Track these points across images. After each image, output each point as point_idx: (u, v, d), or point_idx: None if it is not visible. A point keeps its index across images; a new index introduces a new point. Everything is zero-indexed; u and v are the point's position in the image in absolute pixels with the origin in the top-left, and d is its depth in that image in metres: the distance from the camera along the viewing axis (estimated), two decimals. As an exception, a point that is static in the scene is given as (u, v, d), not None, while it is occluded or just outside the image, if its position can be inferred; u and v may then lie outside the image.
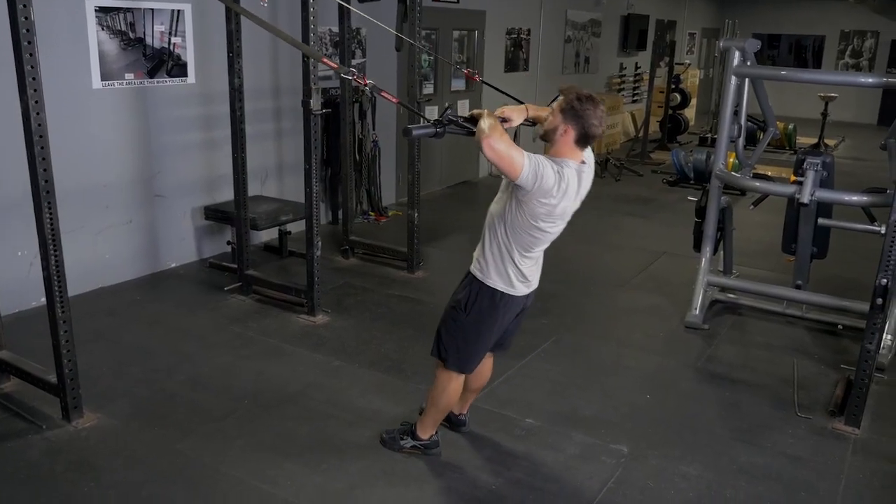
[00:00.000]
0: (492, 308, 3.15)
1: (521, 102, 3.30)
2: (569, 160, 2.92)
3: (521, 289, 3.15)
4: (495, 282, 3.11)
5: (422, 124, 3.05)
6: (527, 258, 3.09)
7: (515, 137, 6.21)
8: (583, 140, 2.92)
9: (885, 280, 3.71)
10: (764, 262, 6.47)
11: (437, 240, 6.77)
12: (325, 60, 3.36)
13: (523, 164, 2.78)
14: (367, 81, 3.18)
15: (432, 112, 8.44)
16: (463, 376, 3.35)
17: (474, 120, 2.95)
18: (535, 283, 3.22)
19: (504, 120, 3.10)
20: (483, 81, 4.09)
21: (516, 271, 3.09)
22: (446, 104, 3.11)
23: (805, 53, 18.51)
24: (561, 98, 2.92)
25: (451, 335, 3.25)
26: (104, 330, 4.76)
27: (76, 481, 3.27)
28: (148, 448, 3.52)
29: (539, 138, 3.04)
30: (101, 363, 4.30)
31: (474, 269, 3.18)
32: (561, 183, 2.85)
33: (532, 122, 3.22)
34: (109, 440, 3.57)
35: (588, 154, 3.06)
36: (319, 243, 4.93)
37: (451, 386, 3.34)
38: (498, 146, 2.76)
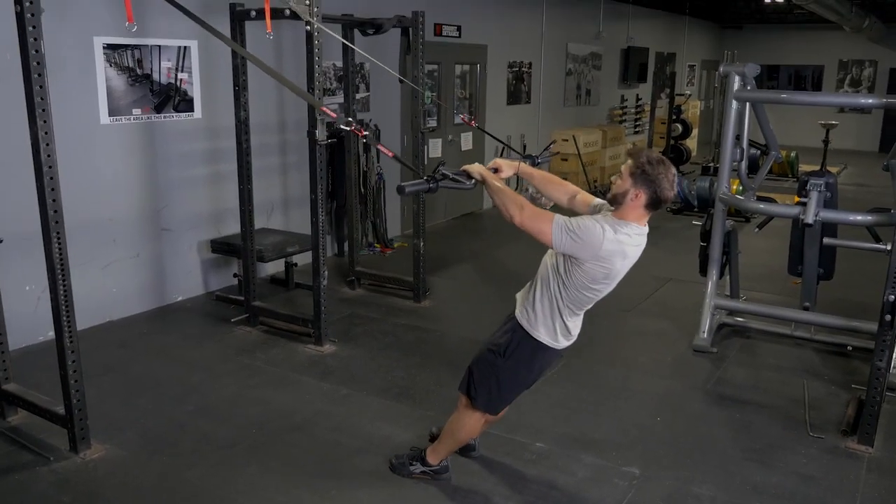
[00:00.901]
0: (531, 359, 3.14)
1: (510, 147, 3.33)
2: (632, 223, 2.86)
3: (564, 343, 3.13)
4: (541, 335, 3.08)
5: (415, 181, 3.07)
6: (576, 315, 3.08)
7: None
8: (654, 204, 2.84)
9: (892, 296, 3.70)
10: (770, 286, 6.46)
11: (442, 269, 6.78)
12: (325, 109, 3.42)
13: (552, 233, 2.80)
14: (364, 133, 3.23)
15: (436, 145, 8.52)
16: (486, 415, 3.32)
17: (468, 174, 3.01)
18: (576, 337, 3.18)
19: (495, 170, 3.14)
20: (479, 128, 4.15)
21: (563, 327, 3.07)
22: (438, 163, 3.13)
23: (804, 84, 18.65)
24: (630, 162, 2.86)
25: (484, 377, 3.21)
26: (112, 362, 4.76)
27: (84, 512, 3.25)
28: (156, 478, 3.51)
29: (607, 202, 2.99)
30: (109, 395, 4.30)
31: (521, 317, 3.12)
32: (616, 243, 2.80)
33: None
34: (118, 471, 3.55)
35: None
36: (326, 272, 4.94)
37: (473, 422, 3.32)
38: (528, 222, 2.84)
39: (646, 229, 2.93)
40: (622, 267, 2.91)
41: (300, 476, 3.53)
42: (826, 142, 12.05)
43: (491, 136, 4.55)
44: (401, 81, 5.88)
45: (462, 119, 4.12)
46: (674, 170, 2.87)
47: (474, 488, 3.46)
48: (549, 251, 3.06)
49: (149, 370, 4.69)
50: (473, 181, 3.09)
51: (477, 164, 3.13)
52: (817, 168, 12.21)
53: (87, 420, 3.70)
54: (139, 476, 3.51)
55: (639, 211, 2.86)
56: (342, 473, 3.56)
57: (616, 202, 2.90)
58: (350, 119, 3.34)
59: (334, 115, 3.45)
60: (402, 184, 3.02)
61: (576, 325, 3.13)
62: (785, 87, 18.80)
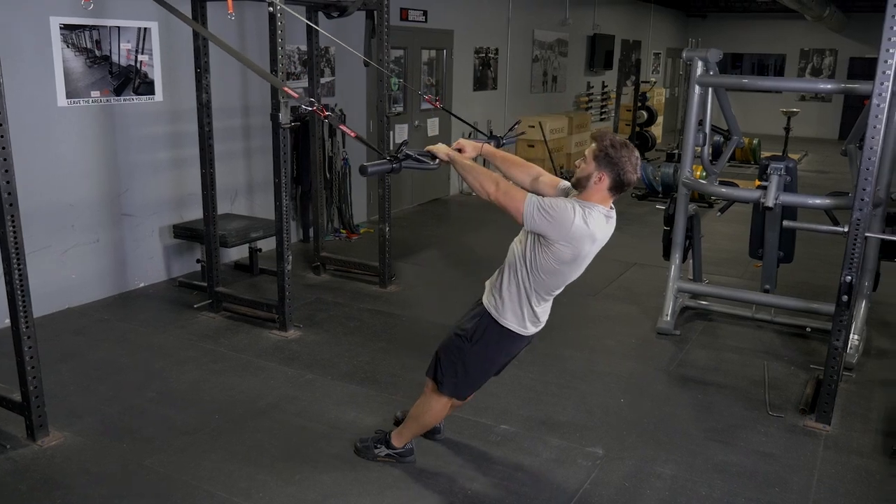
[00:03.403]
0: (498, 344, 3.14)
1: (477, 129, 3.33)
2: (598, 205, 2.87)
3: (531, 329, 3.13)
4: (509, 321, 3.08)
5: (378, 161, 3.03)
6: (544, 301, 3.08)
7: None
8: (617, 187, 2.86)
9: (849, 277, 3.77)
10: (732, 270, 6.55)
11: (408, 255, 6.76)
12: (287, 90, 3.38)
13: (524, 209, 2.80)
14: (326, 114, 3.20)
15: (402, 130, 8.48)
16: (452, 400, 3.32)
17: (432, 154, 2.99)
18: (543, 322, 3.18)
19: (459, 150, 3.13)
20: (444, 109, 4.12)
21: (531, 313, 3.07)
22: (400, 141, 3.12)
23: (767, 72, 18.88)
24: (594, 145, 2.88)
25: (451, 362, 3.20)
26: (71, 349, 4.68)
27: (41, 500, 3.19)
28: (116, 465, 3.45)
29: (571, 185, 3.01)
30: (68, 382, 4.23)
31: (488, 303, 3.12)
32: (584, 225, 2.80)
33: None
34: (76, 458, 3.50)
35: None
36: (290, 257, 4.90)
37: (438, 407, 3.32)
38: (501, 200, 2.85)
39: (613, 211, 2.95)
40: (590, 250, 2.92)
41: (265, 461, 3.50)
42: (787, 129, 12.22)
43: (457, 117, 4.53)
44: (366, 65, 5.84)
45: (427, 100, 4.09)
46: (637, 153, 2.89)
47: (439, 470, 3.46)
48: (517, 238, 3.06)
49: (109, 357, 4.61)
50: (437, 161, 3.08)
51: (441, 144, 3.11)
52: (779, 154, 12.40)
53: (45, 407, 3.63)
54: (99, 463, 3.46)
55: (603, 193, 2.88)
56: (307, 458, 3.54)
57: (580, 185, 2.91)
58: (312, 100, 3.30)
59: (297, 94, 3.41)
60: (365, 164, 2.99)
61: (544, 311, 3.13)
62: (748, 74, 19.01)
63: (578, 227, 2.80)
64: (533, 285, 3.00)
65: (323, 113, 3.21)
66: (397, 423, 3.63)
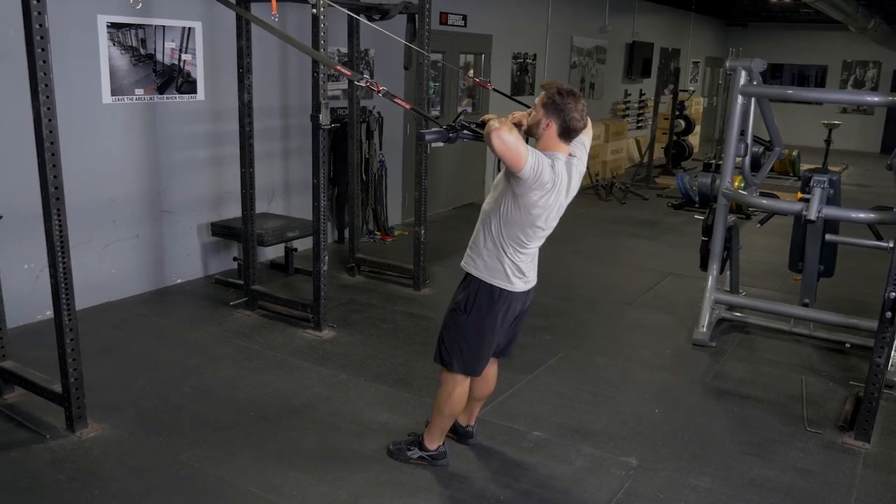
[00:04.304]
0: (491, 306, 3.16)
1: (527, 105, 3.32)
2: (558, 153, 2.98)
3: (520, 285, 3.16)
4: (494, 278, 3.12)
5: (435, 129, 3.08)
6: (522, 253, 3.11)
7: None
8: (565, 133, 2.98)
9: (893, 293, 3.70)
10: (770, 283, 6.46)
11: (442, 259, 6.77)
12: (339, 67, 3.43)
13: (527, 157, 2.83)
14: (381, 88, 3.23)
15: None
16: (468, 381, 3.33)
17: (485, 125, 2.98)
18: (532, 279, 3.22)
19: (516, 125, 3.12)
20: (495, 89, 4.12)
21: (513, 266, 3.11)
22: (459, 110, 3.16)
23: (808, 83, 18.60)
24: (543, 93, 2.99)
25: (453, 338, 3.24)
26: (110, 343, 4.75)
27: (79, 491, 3.24)
28: (153, 458, 3.50)
29: (526, 134, 3.08)
30: (107, 375, 4.29)
31: (469, 267, 3.19)
32: (553, 175, 2.91)
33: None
34: (114, 450, 3.55)
35: (580, 151, 3.13)
36: (326, 257, 4.93)
37: (457, 391, 3.32)
38: (507, 138, 2.80)
39: (575, 158, 3.06)
40: (558, 197, 2.99)
41: (298, 459, 3.52)
42: (828, 141, 12.03)
43: (509, 97, 4.47)
44: (406, 68, 5.85)
45: (478, 83, 4.10)
46: (583, 101, 3.00)
47: (471, 475, 3.46)
48: (487, 199, 3.15)
49: (146, 351, 4.68)
50: None
51: (493, 115, 3.10)
52: (819, 167, 12.21)
53: (84, 399, 3.68)
54: (136, 456, 3.51)
55: (554, 140, 2.99)
56: (340, 457, 3.55)
57: (532, 133, 3.03)
58: (365, 76, 3.33)
59: (348, 72, 3.47)
60: (423, 130, 3.05)
61: (526, 265, 3.16)
62: (789, 85, 18.74)
63: (549, 176, 2.89)
64: (506, 236, 3.06)
65: (378, 88, 3.24)
66: (428, 424, 3.63)
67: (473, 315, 3.18)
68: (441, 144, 3.27)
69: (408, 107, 3.39)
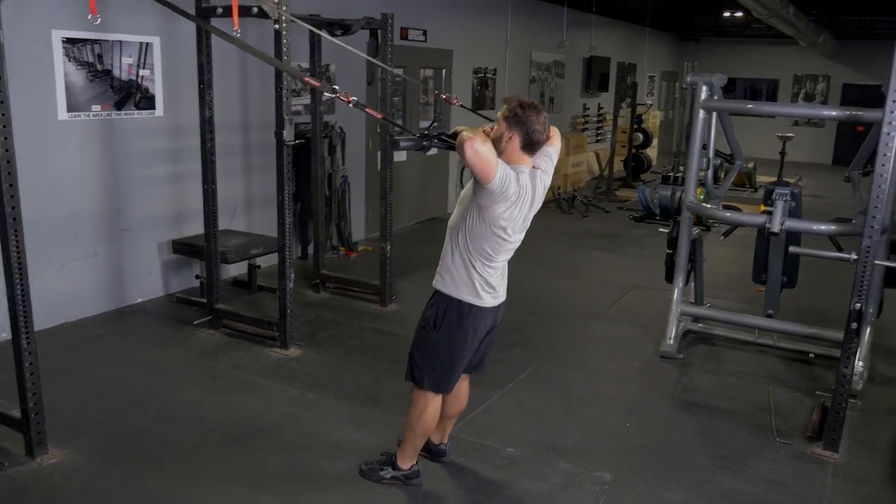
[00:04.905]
0: (461, 321, 3.13)
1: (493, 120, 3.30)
2: (522, 166, 2.98)
3: (489, 300, 3.14)
4: (462, 294, 3.10)
5: (408, 136, 3.06)
6: (490, 267, 3.10)
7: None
8: (528, 146, 2.99)
9: (858, 304, 3.75)
10: (733, 294, 6.54)
11: (408, 274, 6.72)
12: (308, 79, 3.39)
13: (498, 169, 2.84)
14: (351, 98, 3.19)
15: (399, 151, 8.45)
16: (440, 398, 3.29)
17: (457, 135, 2.97)
18: (502, 294, 3.21)
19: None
20: (462, 105, 4.09)
21: (482, 280, 3.09)
22: (433, 119, 3.13)
23: (760, 97, 19.00)
24: (504, 106, 3.00)
25: (423, 355, 3.21)
26: (69, 365, 4.61)
27: (40, 520, 3.12)
28: (116, 485, 3.39)
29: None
30: (67, 398, 4.15)
31: (438, 284, 3.17)
32: (518, 187, 2.92)
33: None
34: (76, 477, 3.43)
35: (546, 164, 3.13)
36: (292, 275, 4.85)
37: (429, 409, 3.27)
38: (480, 148, 2.80)
39: (539, 171, 3.07)
40: (523, 209, 2.99)
41: (268, 482, 3.44)
42: (783, 153, 12.28)
43: (477, 113, 4.45)
44: (369, 83, 5.82)
45: (444, 99, 4.06)
46: (545, 114, 3.02)
47: (445, 494, 3.41)
48: (453, 214, 3.14)
49: (107, 373, 4.54)
50: None
51: (464, 127, 3.07)
52: (774, 178, 12.46)
53: (45, 424, 3.55)
54: (99, 483, 3.39)
55: (517, 153, 3.00)
56: (311, 479, 3.48)
57: (495, 146, 2.99)
58: (335, 87, 3.28)
59: (317, 83, 3.45)
60: (397, 137, 3.01)
61: (495, 279, 3.14)
62: (740, 99, 19.10)
63: (513, 189, 2.90)
64: (473, 250, 3.04)
65: (348, 98, 3.19)
66: (400, 443, 3.58)
67: (443, 331, 3.15)
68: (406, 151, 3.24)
69: (379, 116, 3.36)
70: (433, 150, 3.10)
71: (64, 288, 5.25)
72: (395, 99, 8.40)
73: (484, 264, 3.07)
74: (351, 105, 3.19)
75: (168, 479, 3.43)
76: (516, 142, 2.97)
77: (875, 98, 3.88)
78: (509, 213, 2.95)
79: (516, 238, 3.09)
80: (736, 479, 3.62)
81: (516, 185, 2.91)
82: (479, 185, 2.91)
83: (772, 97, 18.76)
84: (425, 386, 3.23)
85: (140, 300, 5.80)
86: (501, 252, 3.09)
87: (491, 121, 3.94)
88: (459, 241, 3.07)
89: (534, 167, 3.05)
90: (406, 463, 3.40)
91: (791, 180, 12.91)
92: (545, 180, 3.11)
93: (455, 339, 3.16)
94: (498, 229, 2.99)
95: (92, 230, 5.40)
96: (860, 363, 4.66)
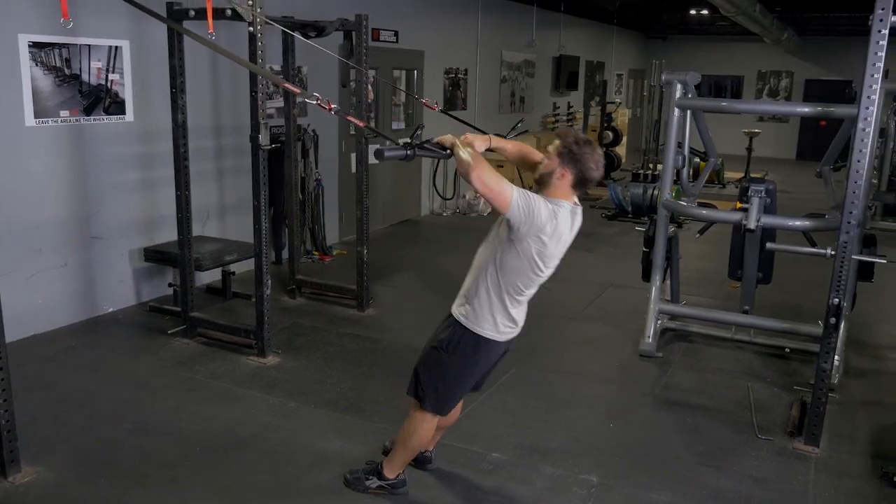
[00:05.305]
0: (475, 352, 3.08)
1: (484, 132, 3.26)
2: (562, 201, 2.89)
3: (508, 333, 3.09)
4: (482, 328, 3.03)
5: (393, 146, 2.98)
6: (518, 301, 3.04)
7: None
8: (580, 184, 2.90)
9: (837, 300, 3.79)
10: (707, 291, 6.58)
11: (384, 277, 6.67)
12: (288, 85, 3.34)
13: (512, 196, 2.76)
14: (333, 106, 3.14)
15: (374, 150, 8.39)
16: (437, 418, 3.25)
17: (441, 145, 2.93)
18: (520, 325, 3.15)
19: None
20: (442, 111, 4.05)
21: (505, 316, 3.03)
22: (416, 126, 3.07)
23: (724, 93, 19.21)
24: (558, 142, 2.90)
25: (430, 375, 3.14)
26: (39, 378, 4.49)
27: (16, 541, 3.03)
28: (94, 502, 3.30)
29: (534, 182, 3.01)
30: (38, 413, 4.04)
31: (459, 314, 3.08)
32: (554, 221, 2.82)
33: (492, 150, 3.21)
34: (51, 495, 3.33)
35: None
36: (269, 281, 4.78)
37: (425, 427, 3.23)
38: (487, 179, 2.74)
39: (579, 208, 2.97)
40: (558, 246, 2.92)
41: (251, 495, 3.38)
42: (749, 149, 12.43)
43: (456, 118, 4.38)
44: (343, 86, 5.77)
45: (424, 103, 4.01)
46: (600, 151, 2.93)
47: (432, 502, 3.38)
48: (483, 244, 3.06)
49: (80, 386, 4.44)
50: (448, 151, 2.99)
51: (449, 135, 3.02)
52: (742, 175, 12.61)
53: (17, 441, 3.45)
54: (76, 500, 3.31)
55: (566, 190, 2.91)
56: (295, 491, 3.42)
57: (543, 182, 2.94)
58: (316, 94, 3.23)
59: (298, 90, 3.39)
60: (381, 147, 2.92)
61: (519, 313, 3.09)
62: (705, 95, 19.30)
63: (548, 223, 2.82)
64: (504, 286, 2.97)
65: (329, 106, 3.14)
66: (386, 453, 3.54)
67: (456, 357, 3.08)
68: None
69: (362, 125, 3.30)
70: None
71: (32, 298, 5.12)
72: (369, 102, 8.34)
73: (513, 298, 3.01)
74: (332, 113, 3.14)
75: (146, 495, 3.35)
76: (568, 179, 2.88)
77: (838, 94, 3.92)
78: (540, 246, 2.86)
79: (548, 272, 3.01)
80: (721, 477, 3.64)
81: (549, 215, 2.81)
82: (505, 220, 2.84)
83: (736, 94, 18.98)
84: (427, 406, 3.18)
85: (112, 310, 5.68)
86: (532, 286, 3.03)
87: (465, 123, 3.92)
88: (489, 275, 2.98)
89: (575, 203, 2.95)
90: (393, 473, 3.36)
91: (758, 175, 13.11)
92: (581, 215, 2.99)
93: (465, 367, 3.12)
94: (532, 263, 2.91)
95: (61, 238, 5.28)
96: (836, 357, 4.71)
